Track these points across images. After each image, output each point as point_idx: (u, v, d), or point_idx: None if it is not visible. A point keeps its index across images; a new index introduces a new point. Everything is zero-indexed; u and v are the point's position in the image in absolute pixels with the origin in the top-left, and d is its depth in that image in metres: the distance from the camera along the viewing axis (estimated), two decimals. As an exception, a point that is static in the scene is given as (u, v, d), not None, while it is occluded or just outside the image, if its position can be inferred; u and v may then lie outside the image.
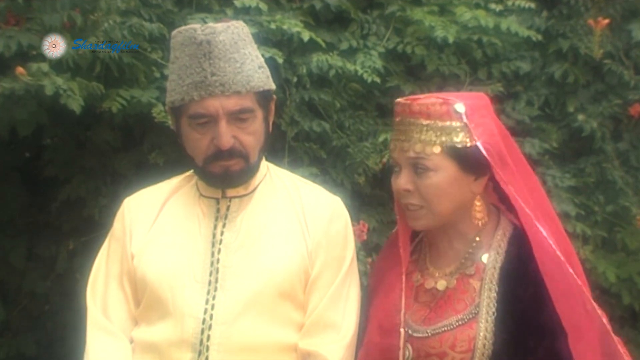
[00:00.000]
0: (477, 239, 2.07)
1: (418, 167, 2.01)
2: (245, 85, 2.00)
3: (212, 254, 2.05)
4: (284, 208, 2.13)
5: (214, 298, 2.01)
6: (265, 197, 2.14)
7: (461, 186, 2.02)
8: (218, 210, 2.10)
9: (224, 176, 2.05)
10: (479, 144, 1.98)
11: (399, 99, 2.10)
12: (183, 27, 2.04)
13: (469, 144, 1.99)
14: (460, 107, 1.99)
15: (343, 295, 2.11)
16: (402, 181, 2.04)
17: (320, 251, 2.10)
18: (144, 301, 2.07)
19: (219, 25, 2.02)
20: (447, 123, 1.99)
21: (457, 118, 1.99)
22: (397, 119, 2.07)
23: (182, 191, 2.17)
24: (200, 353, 1.99)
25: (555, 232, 2.08)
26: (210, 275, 2.04)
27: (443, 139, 1.99)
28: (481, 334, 1.97)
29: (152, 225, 2.11)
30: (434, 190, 2.01)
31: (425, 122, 2.00)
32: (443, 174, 2.00)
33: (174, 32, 2.06)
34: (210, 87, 1.97)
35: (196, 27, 2.00)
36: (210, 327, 1.99)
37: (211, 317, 2.00)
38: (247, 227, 2.09)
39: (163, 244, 2.09)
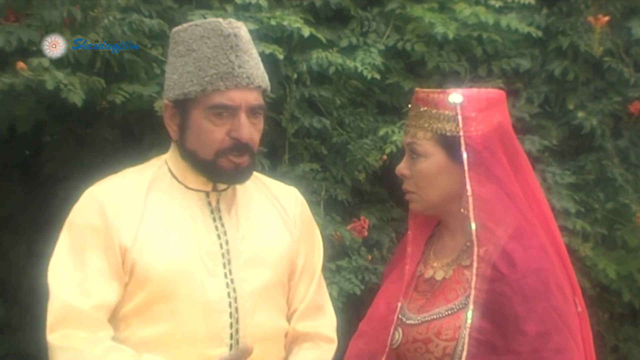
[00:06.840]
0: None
1: (413, 153, 2.06)
2: (264, 81, 2.05)
3: (221, 246, 2.05)
4: (262, 200, 2.15)
5: (234, 291, 2.03)
6: (244, 190, 2.13)
7: (451, 176, 2.04)
8: (209, 204, 2.08)
9: (234, 172, 2.04)
10: (461, 136, 2.01)
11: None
12: (201, 21, 2.04)
13: (458, 134, 2.02)
14: (456, 98, 2.03)
15: (322, 280, 2.22)
16: (400, 166, 2.11)
17: (303, 239, 2.16)
18: (144, 298, 2.00)
19: (238, 21, 2.05)
20: (441, 111, 2.03)
21: (451, 108, 2.03)
22: (409, 106, 2.15)
23: (160, 183, 2.09)
24: (231, 347, 2.01)
25: (549, 235, 2.09)
26: (224, 267, 2.04)
27: (435, 126, 2.04)
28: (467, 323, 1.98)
29: (141, 219, 2.02)
30: (423, 176, 2.06)
31: (422, 108, 2.06)
32: (432, 161, 2.04)
33: (187, 26, 2.03)
34: (237, 78, 1.99)
35: (220, 20, 2.02)
36: (237, 320, 2.02)
37: (236, 310, 2.02)
38: (242, 219, 2.09)
39: (162, 239, 2.02)
